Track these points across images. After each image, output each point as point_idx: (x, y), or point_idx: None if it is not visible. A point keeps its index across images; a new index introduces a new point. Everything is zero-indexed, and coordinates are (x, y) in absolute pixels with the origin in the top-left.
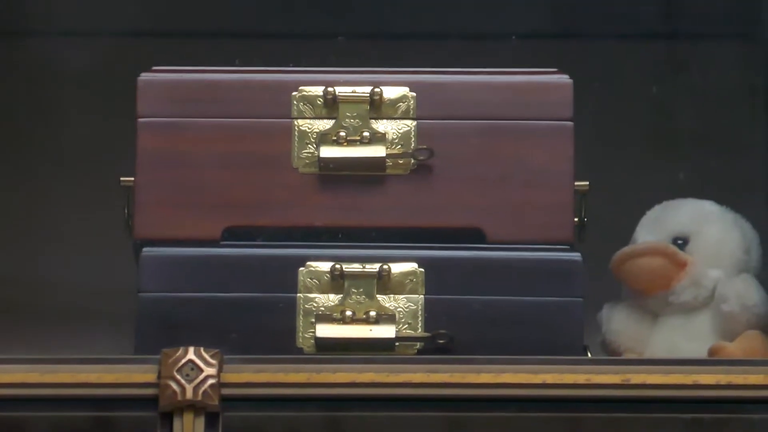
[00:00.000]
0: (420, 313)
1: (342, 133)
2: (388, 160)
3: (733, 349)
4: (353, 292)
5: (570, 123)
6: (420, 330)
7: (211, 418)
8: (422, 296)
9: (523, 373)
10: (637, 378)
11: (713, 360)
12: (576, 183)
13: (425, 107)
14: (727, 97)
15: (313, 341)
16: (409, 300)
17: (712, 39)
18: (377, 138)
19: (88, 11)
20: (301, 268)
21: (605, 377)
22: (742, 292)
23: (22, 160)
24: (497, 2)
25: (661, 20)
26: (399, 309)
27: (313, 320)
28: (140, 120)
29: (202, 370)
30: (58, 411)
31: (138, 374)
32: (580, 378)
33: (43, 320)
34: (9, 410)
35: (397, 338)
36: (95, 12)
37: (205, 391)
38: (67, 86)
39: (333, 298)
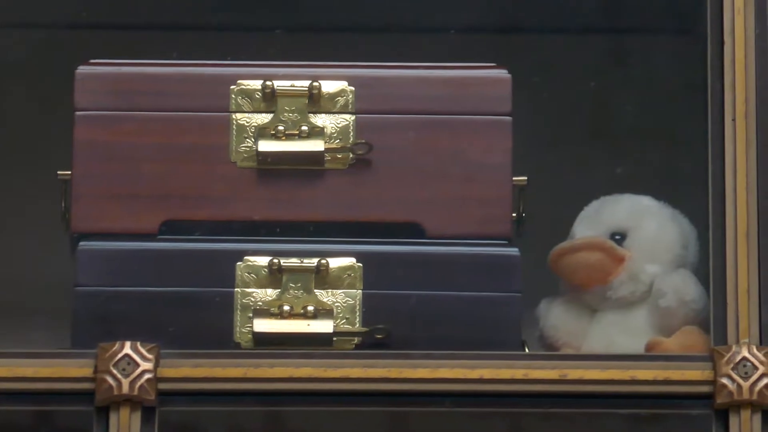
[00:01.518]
0: (358, 307)
1: (280, 127)
2: (326, 155)
3: (671, 344)
4: (291, 287)
5: (508, 118)
6: (358, 325)
7: (148, 413)
8: (360, 291)
9: (460, 368)
10: (574, 373)
11: (651, 355)
12: (514, 178)
13: (364, 101)
14: (666, 92)
15: (250, 336)
16: (347, 295)
17: (651, 34)
18: (316, 132)
19: (25, 2)
20: (239, 263)
21: (542, 372)
22: (680, 287)
23: None
24: None
25: (601, 15)
26: (337, 304)
27: (251, 315)
28: (77, 113)
29: (138, 365)
30: None
31: (74, 368)
32: (518, 373)
33: None
34: None
35: (335, 333)
36: (32, 3)
37: (141, 386)
38: (2, 78)
39: (271, 293)
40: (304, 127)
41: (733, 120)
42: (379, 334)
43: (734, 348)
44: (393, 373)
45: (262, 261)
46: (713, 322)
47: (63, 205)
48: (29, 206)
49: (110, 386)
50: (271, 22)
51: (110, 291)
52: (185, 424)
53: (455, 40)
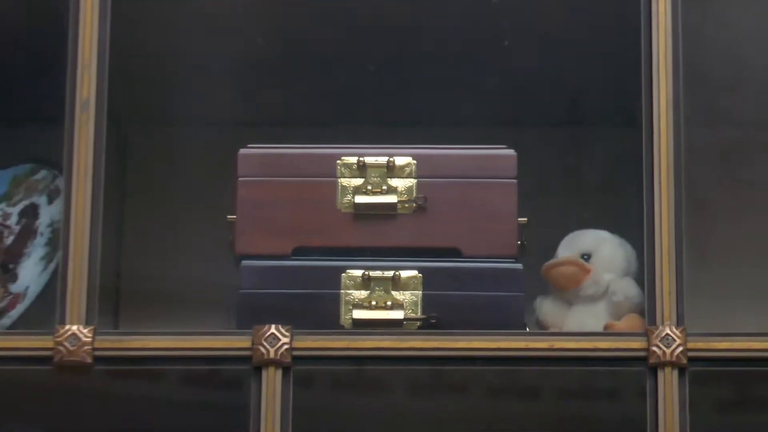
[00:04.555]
0: (419, 302)
1: (369, 187)
2: (398, 204)
3: (621, 325)
4: (376, 289)
5: (514, 180)
6: (419, 313)
7: (286, 370)
8: (420, 292)
9: (485, 341)
10: (558, 344)
11: (607, 333)
12: (519, 218)
13: (422, 170)
14: (615, 163)
15: (351, 321)
16: (412, 294)
17: (608, 125)
18: (391, 190)
19: (206, 108)
20: (343, 274)
21: (538, 344)
22: (626, 289)
23: (169, 207)
24: (467, 104)
25: (576, 114)
26: (405, 300)
27: (351, 307)
28: (239, 179)
29: (279, 339)
30: (188, 365)
31: (239, 342)
32: (521, 344)
33: (180, 307)
34: (157, 365)
35: (405, 319)
36: (210, 109)
37: (282, 353)
38: (195, 158)
39: (363, 293)
40: (384, 187)
41: (660, 182)
42: (433, 319)
43: (660, 327)
44: (441, 344)
45: (358, 273)
46: (647, 311)
47: (231, 237)
48: (212, 238)
49: (262, 353)
50: (361, 119)
51: (261, 292)
52: (310, 377)
53: (479, 130)
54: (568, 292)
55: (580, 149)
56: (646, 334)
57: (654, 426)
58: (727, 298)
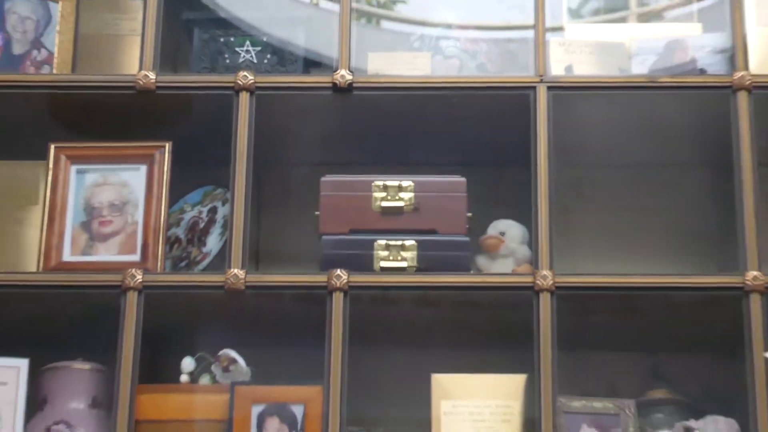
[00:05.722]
0: (415, 258)
1: (389, 197)
2: (404, 207)
3: (520, 270)
4: (392, 251)
5: (465, 194)
6: (415, 263)
7: (345, 294)
8: (416, 252)
9: (449, 278)
10: (487, 279)
11: (514, 273)
12: (467, 213)
13: (417, 188)
14: (517, 187)
15: (380, 267)
16: (411, 254)
17: (511, 166)
18: (400, 199)
19: (304, 154)
20: (375, 242)
21: (476, 279)
22: (524, 250)
23: (285, 207)
24: (441, 154)
25: (493, 161)
26: (408, 257)
27: (379, 260)
28: (322, 193)
29: (342, 277)
30: (298, 291)
31: (321, 278)
32: (468, 279)
33: (291, 259)
34: (277, 290)
35: (407, 267)
36: (306, 155)
37: (343, 284)
38: (298, 182)
39: (386, 253)
40: (397, 197)
41: (541, 195)
42: (422, 266)
43: (541, 270)
44: (427, 280)
45: (383, 242)
46: (534, 262)
47: (317, 224)
48: (308, 223)
49: (333, 284)
50: (384, 163)
51: (333, 252)
52: (359, 298)
53: (443, 168)
54: (492, 253)
55: (499, 179)
56: (533, 275)
57: (537, 323)
58: (580, 256)
